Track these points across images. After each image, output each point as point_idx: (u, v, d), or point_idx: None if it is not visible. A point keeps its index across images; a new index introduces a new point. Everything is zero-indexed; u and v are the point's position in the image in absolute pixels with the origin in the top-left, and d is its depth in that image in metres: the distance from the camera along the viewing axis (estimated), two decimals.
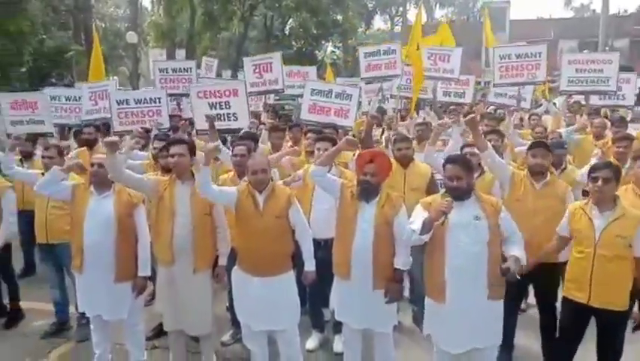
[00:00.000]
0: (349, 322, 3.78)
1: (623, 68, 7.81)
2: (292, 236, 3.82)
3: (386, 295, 3.63)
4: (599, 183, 3.42)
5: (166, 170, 4.33)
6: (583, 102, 8.11)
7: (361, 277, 3.59)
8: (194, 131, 6.56)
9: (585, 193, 5.25)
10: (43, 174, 4.51)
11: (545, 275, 3.92)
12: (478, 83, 12.44)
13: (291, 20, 30.87)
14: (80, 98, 7.70)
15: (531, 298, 4.44)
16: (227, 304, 4.79)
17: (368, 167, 3.61)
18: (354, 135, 6.66)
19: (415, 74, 8.24)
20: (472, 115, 4.36)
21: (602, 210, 3.45)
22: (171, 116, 7.34)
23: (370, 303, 3.62)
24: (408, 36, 9.52)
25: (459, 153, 4.50)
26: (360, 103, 7.55)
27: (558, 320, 3.83)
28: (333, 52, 34.10)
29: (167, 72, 8.52)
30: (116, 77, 27.01)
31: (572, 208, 3.68)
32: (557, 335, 3.83)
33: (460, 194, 3.30)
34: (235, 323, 4.41)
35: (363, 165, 3.64)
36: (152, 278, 4.20)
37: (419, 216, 3.31)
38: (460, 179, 3.30)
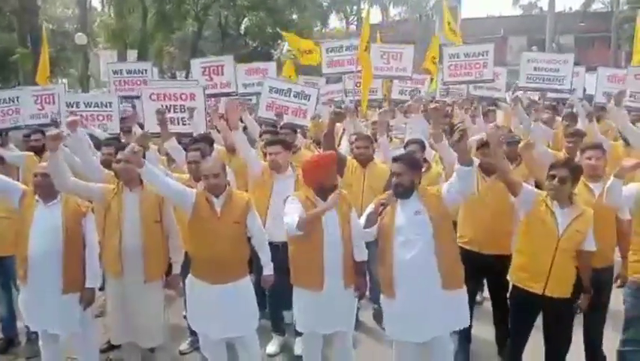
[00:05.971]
0: (318, 329, 3.71)
1: None
2: (248, 241, 3.75)
3: (356, 289, 3.69)
4: (555, 182, 3.46)
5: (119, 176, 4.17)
6: (533, 97, 8.40)
7: (333, 280, 3.57)
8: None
9: (536, 185, 5.43)
10: None
11: (497, 267, 3.99)
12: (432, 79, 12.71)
13: (246, 19, 30.52)
14: (17, 98, 7.26)
15: (486, 291, 4.55)
16: (185, 313, 4.68)
17: (329, 172, 3.63)
18: (312, 137, 6.67)
19: (363, 75, 8.03)
20: (436, 105, 4.44)
21: (562, 207, 3.48)
22: (122, 119, 7.12)
23: (338, 305, 3.61)
24: None
25: (404, 150, 4.56)
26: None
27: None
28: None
29: (121, 74, 8.17)
30: (65, 80, 26.06)
31: (538, 193, 3.64)
32: (509, 325, 3.87)
33: (402, 190, 3.37)
34: (193, 331, 4.30)
35: (320, 173, 3.61)
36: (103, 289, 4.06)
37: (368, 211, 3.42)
38: (401, 175, 3.38)
